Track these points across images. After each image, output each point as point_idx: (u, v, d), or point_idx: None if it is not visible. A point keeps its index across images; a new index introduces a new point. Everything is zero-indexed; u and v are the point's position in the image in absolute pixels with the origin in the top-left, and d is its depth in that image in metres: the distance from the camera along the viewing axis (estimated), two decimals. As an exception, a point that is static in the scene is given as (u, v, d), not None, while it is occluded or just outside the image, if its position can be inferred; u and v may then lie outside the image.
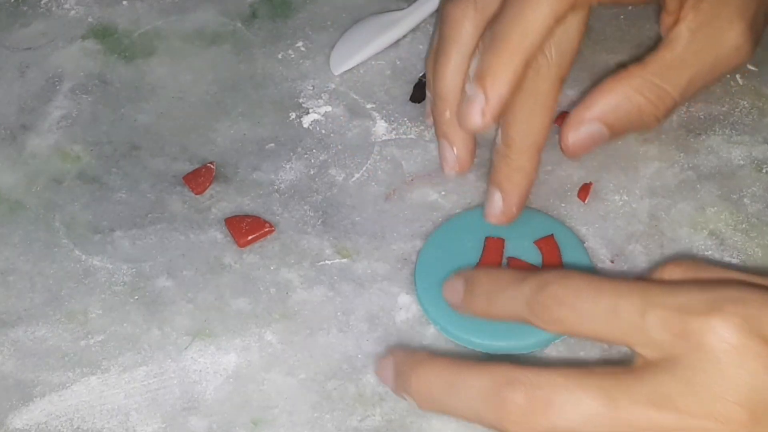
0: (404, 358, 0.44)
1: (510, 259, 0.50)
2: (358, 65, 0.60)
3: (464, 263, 0.50)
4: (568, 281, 0.42)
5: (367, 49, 0.60)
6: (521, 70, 0.49)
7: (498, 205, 0.51)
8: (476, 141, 0.54)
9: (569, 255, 0.51)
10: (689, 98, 0.53)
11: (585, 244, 0.52)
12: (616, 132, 0.52)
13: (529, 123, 0.50)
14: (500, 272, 0.47)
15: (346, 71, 0.60)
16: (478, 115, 0.49)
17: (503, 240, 0.51)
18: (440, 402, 0.42)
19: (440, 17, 0.53)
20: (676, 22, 0.52)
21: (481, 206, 0.52)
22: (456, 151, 0.53)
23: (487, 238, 0.51)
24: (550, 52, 0.49)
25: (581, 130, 0.52)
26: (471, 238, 0.51)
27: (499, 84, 0.48)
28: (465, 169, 0.53)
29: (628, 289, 0.41)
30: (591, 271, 0.51)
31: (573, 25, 0.50)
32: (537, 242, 0.51)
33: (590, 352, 0.48)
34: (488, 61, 0.49)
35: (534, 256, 0.50)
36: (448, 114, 0.52)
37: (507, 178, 0.51)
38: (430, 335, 0.49)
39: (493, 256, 0.50)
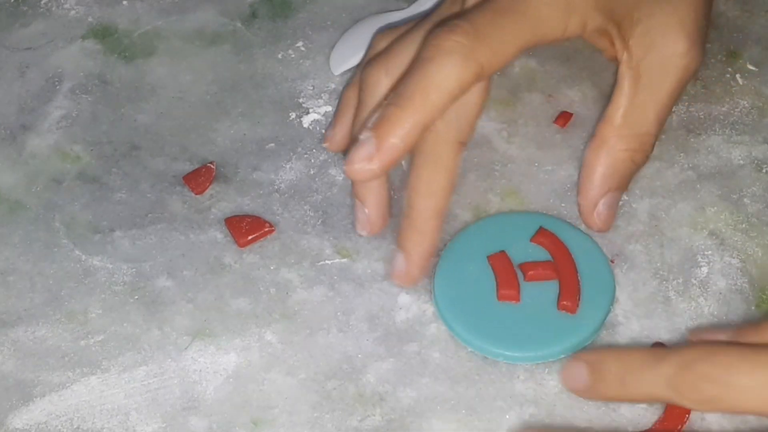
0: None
1: (522, 265, 0.50)
2: (358, 65, 0.60)
3: (480, 288, 0.50)
4: (715, 357, 0.40)
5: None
6: (418, 129, 0.47)
7: (400, 266, 0.50)
8: (389, 202, 0.52)
9: (570, 240, 0.51)
10: (666, 119, 0.53)
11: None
12: (624, 187, 0.52)
13: (429, 187, 0.49)
14: (631, 353, 0.44)
15: (346, 71, 0.59)
16: (365, 160, 0.47)
17: (504, 252, 0.50)
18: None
19: (359, 82, 0.53)
20: (618, 62, 0.51)
21: (474, 221, 0.53)
22: (367, 212, 0.52)
23: (489, 257, 0.50)
24: (450, 118, 0.49)
25: (600, 209, 0.52)
26: (475, 259, 0.50)
27: (393, 134, 0.47)
28: (376, 230, 0.52)
29: None
30: (600, 253, 0.51)
31: (475, 93, 0.49)
32: (533, 239, 0.51)
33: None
34: (387, 113, 0.48)
35: (538, 253, 0.50)
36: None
37: (408, 240, 0.50)
38: (430, 335, 0.49)
39: (506, 272, 0.50)
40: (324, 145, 0.56)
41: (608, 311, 0.49)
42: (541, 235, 0.51)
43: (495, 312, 0.49)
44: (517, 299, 0.49)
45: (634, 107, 0.51)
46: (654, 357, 0.42)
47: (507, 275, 0.49)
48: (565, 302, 0.49)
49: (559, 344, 0.48)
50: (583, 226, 0.52)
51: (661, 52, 0.51)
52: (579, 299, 0.49)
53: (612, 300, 0.49)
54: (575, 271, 0.50)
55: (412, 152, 0.49)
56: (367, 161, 0.47)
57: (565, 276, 0.49)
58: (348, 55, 0.60)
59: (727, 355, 0.40)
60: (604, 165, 0.51)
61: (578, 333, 0.48)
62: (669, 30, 0.51)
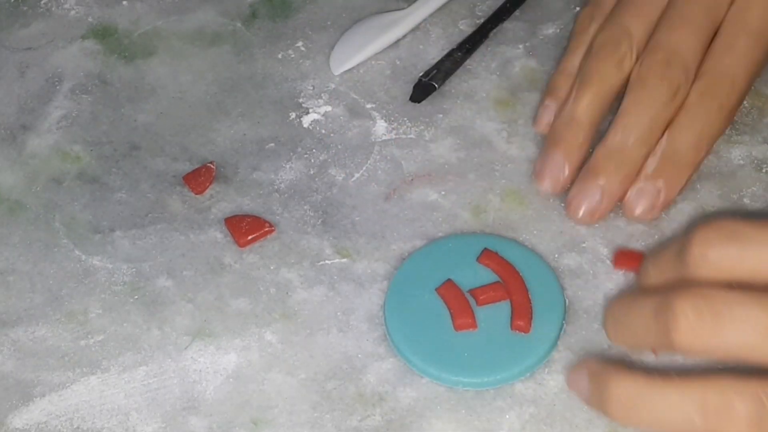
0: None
1: (472, 291, 0.49)
2: (358, 65, 0.60)
3: (434, 319, 0.49)
4: (714, 221, 0.41)
5: (367, 49, 0.60)
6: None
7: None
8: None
9: (515, 258, 0.50)
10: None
11: (583, 244, 0.52)
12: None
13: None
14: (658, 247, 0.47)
15: (346, 71, 0.59)
16: (649, 210, 0.51)
17: (451, 281, 0.50)
18: (621, 329, 0.43)
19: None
20: None
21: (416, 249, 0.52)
22: (567, 172, 0.52)
23: (438, 290, 0.49)
24: None
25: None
26: (423, 291, 0.50)
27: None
28: (562, 191, 0.53)
29: None
30: (546, 264, 0.51)
31: None
32: (479, 261, 0.50)
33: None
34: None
35: (486, 275, 0.50)
36: (581, 139, 0.52)
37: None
38: (430, 335, 0.49)
39: (458, 301, 0.49)
40: (534, 126, 0.56)
41: (562, 326, 0.49)
42: (486, 256, 0.51)
43: (453, 341, 0.48)
44: (475, 327, 0.48)
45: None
46: (646, 299, 0.42)
47: (460, 304, 0.49)
48: (518, 322, 0.48)
49: (516, 366, 0.47)
50: (528, 243, 0.52)
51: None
52: (531, 318, 0.48)
53: (564, 314, 0.49)
54: (525, 290, 0.49)
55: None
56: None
57: (516, 296, 0.49)
58: (348, 55, 0.60)
59: (714, 288, 0.41)
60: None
61: (534, 352, 0.48)
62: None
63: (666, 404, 0.41)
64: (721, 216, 0.43)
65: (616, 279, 0.51)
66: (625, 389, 0.42)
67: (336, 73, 0.59)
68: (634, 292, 0.43)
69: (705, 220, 0.42)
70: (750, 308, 0.39)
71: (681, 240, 0.42)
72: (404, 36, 0.61)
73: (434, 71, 0.59)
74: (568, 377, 0.46)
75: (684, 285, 0.41)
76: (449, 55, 0.59)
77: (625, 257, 0.51)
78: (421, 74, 0.59)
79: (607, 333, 0.46)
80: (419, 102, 0.58)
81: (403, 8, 0.61)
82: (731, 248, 0.41)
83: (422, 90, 0.58)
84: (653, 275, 0.45)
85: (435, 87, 0.58)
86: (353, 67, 0.60)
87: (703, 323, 0.39)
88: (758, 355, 0.40)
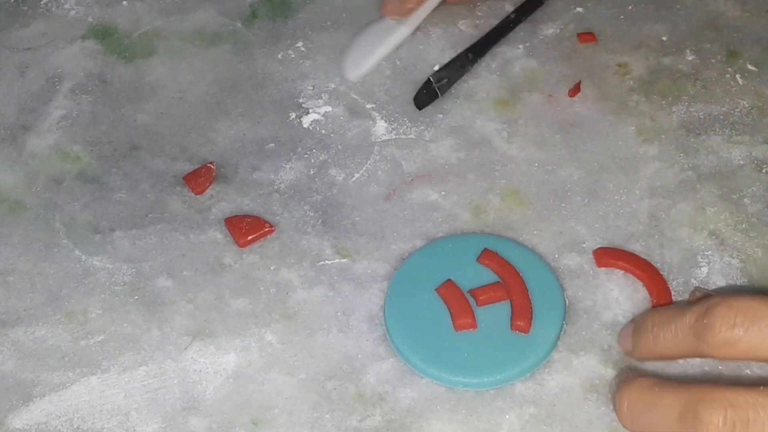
0: (621, 377, 0.45)
1: (472, 291, 0.49)
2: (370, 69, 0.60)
3: (434, 319, 0.49)
4: (733, 301, 0.41)
5: (380, 49, 0.60)
6: None
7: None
8: None
9: (515, 258, 0.50)
10: None
11: (583, 244, 0.52)
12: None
13: None
14: (666, 307, 0.47)
15: (363, 75, 0.59)
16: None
17: (451, 281, 0.50)
18: (640, 422, 0.43)
19: None
20: None
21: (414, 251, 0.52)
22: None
23: (438, 290, 0.50)
24: None
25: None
26: (423, 291, 0.50)
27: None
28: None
29: None
30: (546, 265, 0.51)
31: None
32: (479, 261, 0.50)
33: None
34: None
35: (486, 275, 0.50)
36: None
37: None
38: (430, 335, 0.49)
39: (458, 301, 0.49)
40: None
41: (562, 326, 0.49)
42: (486, 256, 0.51)
43: (453, 342, 0.48)
44: (475, 327, 0.48)
45: None
46: (682, 308, 0.43)
47: (460, 305, 0.49)
48: (518, 322, 0.48)
49: (516, 366, 0.47)
50: (528, 243, 0.52)
51: None
52: (531, 318, 0.48)
53: (564, 315, 0.49)
54: (525, 290, 0.49)
55: None
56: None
57: (516, 296, 0.49)
58: (362, 60, 0.59)
59: (747, 299, 0.41)
60: None
61: (534, 353, 0.48)
62: None
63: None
64: (738, 293, 0.43)
65: (616, 279, 0.51)
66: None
67: (353, 80, 0.59)
68: (652, 380, 0.43)
69: (721, 297, 0.42)
70: None
71: (699, 314, 0.42)
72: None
73: (445, 79, 0.58)
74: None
75: (707, 389, 0.41)
76: (459, 60, 0.59)
77: (606, 255, 0.51)
78: (430, 75, 0.59)
79: (620, 416, 0.45)
80: (422, 109, 0.58)
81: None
82: (753, 332, 0.41)
83: (427, 97, 0.58)
84: (662, 343, 0.45)
85: (438, 95, 0.58)
86: (369, 71, 0.60)
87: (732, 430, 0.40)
88: None
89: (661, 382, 0.43)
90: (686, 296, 0.50)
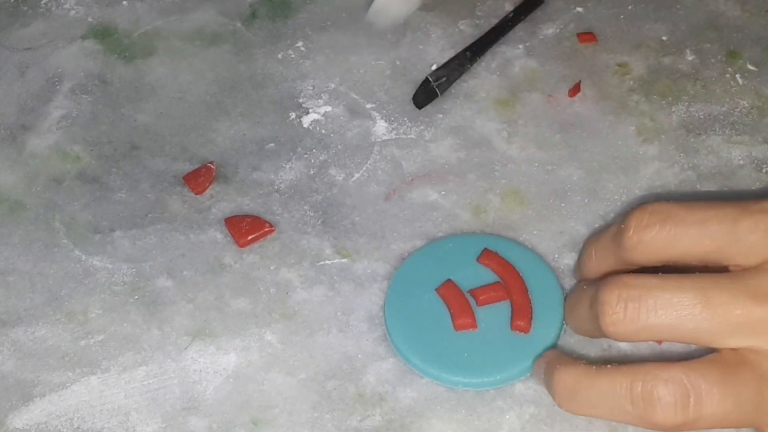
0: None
1: (472, 291, 0.49)
2: (358, 67, 0.60)
3: (434, 319, 0.49)
4: (648, 205, 0.42)
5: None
6: None
7: None
8: None
9: (515, 258, 0.50)
10: None
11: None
12: None
13: None
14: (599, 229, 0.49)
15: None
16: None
17: (451, 281, 0.50)
18: (571, 318, 0.46)
19: None
20: None
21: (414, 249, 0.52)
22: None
23: (438, 290, 0.50)
24: None
25: None
26: (423, 291, 0.50)
27: None
28: None
29: (719, 204, 0.41)
30: (545, 265, 0.51)
31: None
32: (479, 261, 0.50)
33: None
34: None
35: (486, 275, 0.50)
36: None
37: None
38: (430, 335, 0.49)
39: (458, 301, 0.49)
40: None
41: (562, 326, 0.49)
42: (486, 256, 0.51)
43: (453, 341, 0.48)
44: (475, 327, 0.48)
45: None
46: (610, 224, 0.45)
47: (460, 305, 0.49)
48: (518, 322, 0.48)
49: (516, 366, 0.47)
50: (528, 243, 0.52)
51: None
52: (531, 318, 0.48)
53: (564, 315, 0.49)
54: (525, 290, 0.49)
55: None
56: None
57: (516, 296, 0.49)
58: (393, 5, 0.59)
59: (661, 204, 0.43)
60: None
61: (534, 353, 0.48)
62: None
63: (598, 392, 0.42)
64: (654, 199, 0.44)
65: (616, 279, 0.51)
66: (565, 378, 0.44)
67: (380, 24, 0.58)
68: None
69: (640, 204, 0.44)
70: (670, 292, 0.41)
71: (617, 223, 0.44)
72: (405, 36, 0.61)
73: (443, 78, 0.58)
74: (533, 367, 0.47)
75: (611, 276, 0.43)
76: (457, 59, 0.59)
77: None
78: (428, 74, 0.59)
79: (565, 319, 0.48)
80: (421, 108, 0.58)
81: None
82: (664, 231, 0.42)
83: (426, 96, 0.58)
84: (594, 259, 0.47)
85: (438, 94, 0.58)
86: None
87: (626, 311, 0.41)
88: (681, 336, 0.41)
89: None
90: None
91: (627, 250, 0.43)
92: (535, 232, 0.53)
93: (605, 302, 0.42)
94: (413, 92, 0.59)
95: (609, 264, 0.46)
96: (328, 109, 0.58)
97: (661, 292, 0.41)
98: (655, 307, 0.41)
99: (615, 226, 0.44)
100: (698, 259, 0.43)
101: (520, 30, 0.61)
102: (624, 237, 0.43)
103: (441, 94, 0.58)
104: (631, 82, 0.59)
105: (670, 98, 0.58)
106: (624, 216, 0.44)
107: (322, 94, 0.59)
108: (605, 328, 0.42)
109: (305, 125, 0.58)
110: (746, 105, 0.57)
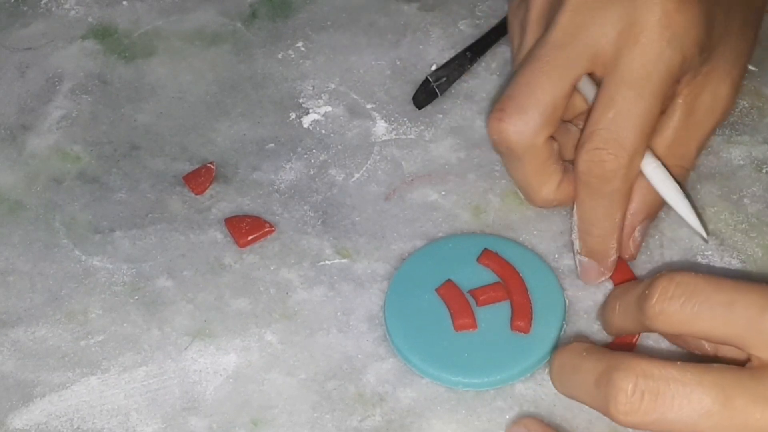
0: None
1: (472, 291, 0.49)
2: (358, 67, 0.60)
3: (434, 319, 0.49)
4: (676, 275, 0.41)
5: None
6: (618, 232, 0.49)
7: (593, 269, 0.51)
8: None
9: (515, 258, 0.50)
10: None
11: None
12: (655, 216, 0.52)
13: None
14: (628, 283, 0.48)
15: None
16: (598, 277, 0.50)
17: (451, 281, 0.50)
18: (565, 383, 0.44)
19: None
20: (672, 98, 0.50)
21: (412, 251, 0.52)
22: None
23: (438, 290, 0.49)
24: None
25: (636, 236, 0.51)
26: (423, 291, 0.50)
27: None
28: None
29: (747, 286, 0.40)
30: (545, 265, 0.51)
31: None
32: (479, 261, 0.50)
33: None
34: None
35: (486, 276, 0.50)
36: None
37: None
38: (430, 335, 0.49)
39: (458, 301, 0.49)
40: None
41: (562, 327, 0.49)
42: (486, 257, 0.51)
43: (453, 342, 0.48)
44: (475, 327, 0.48)
45: (680, 141, 0.51)
46: (635, 283, 0.45)
47: (460, 305, 0.49)
48: (518, 323, 0.48)
49: (516, 366, 0.47)
50: (528, 244, 0.52)
51: (713, 92, 0.51)
52: (531, 318, 0.48)
53: (564, 315, 0.49)
54: (525, 290, 0.49)
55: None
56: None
57: (516, 296, 0.49)
58: None
59: (690, 276, 0.42)
60: (648, 191, 0.50)
61: (534, 353, 0.48)
62: (721, 74, 0.51)
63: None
64: (682, 268, 0.43)
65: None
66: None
67: None
68: (584, 345, 0.44)
69: (668, 271, 0.42)
70: (690, 387, 0.40)
71: (644, 285, 0.43)
72: (405, 36, 0.61)
73: (443, 78, 0.58)
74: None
75: (626, 357, 0.41)
76: (457, 59, 0.59)
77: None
78: (428, 74, 0.59)
79: (551, 377, 0.45)
80: (421, 108, 0.58)
81: (403, 6, 0.61)
82: (688, 307, 0.41)
83: (426, 96, 0.58)
84: (617, 314, 0.46)
85: (438, 94, 0.58)
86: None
87: (642, 402, 0.40)
88: None
89: (591, 348, 0.43)
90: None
91: (648, 318, 0.42)
92: (535, 232, 0.53)
93: (620, 389, 0.40)
94: (413, 92, 0.59)
95: (629, 325, 0.45)
96: (328, 109, 0.58)
97: (680, 386, 0.40)
98: (673, 402, 0.40)
99: (641, 288, 0.43)
100: (718, 339, 0.42)
101: (520, 30, 0.61)
102: (647, 304, 0.42)
103: (441, 94, 0.58)
104: (631, 82, 0.59)
105: (670, 98, 0.58)
106: (651, 280, 0.42)
107: (322, 94, 0.59)
108: (615, 416, 0.41)
109: (305, 125, 0.58)
110: (746, 105, 0.57)
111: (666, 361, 0.40)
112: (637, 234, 0.51)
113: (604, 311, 0.48)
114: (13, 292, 0.52)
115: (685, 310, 0.41)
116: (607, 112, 0.47)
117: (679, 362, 0.40)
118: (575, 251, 0.50)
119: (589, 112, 0.49)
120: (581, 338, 0.48)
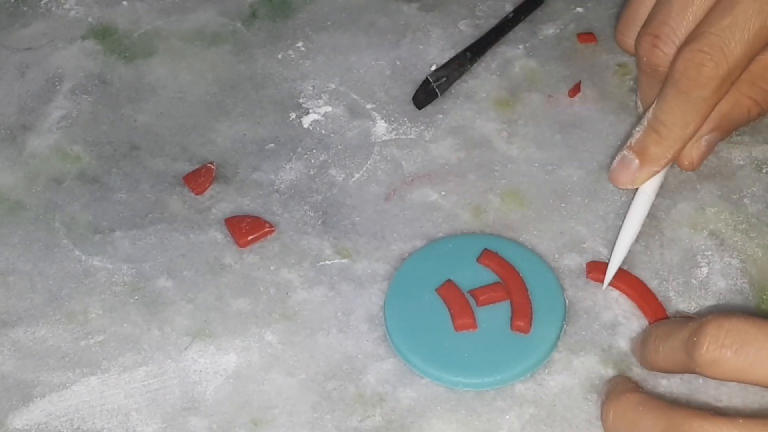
0: (611, 386, 0.45)
1: (472, 291, 0.49)
2: (358, 67, 0.60)
3: (434, 319, 0.49)
4: (724, 321, 0.41)
5: None
6: (675, 154, 0.49)
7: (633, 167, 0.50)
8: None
9: (515, 258, 0.50)
10: None
11: (584, 245, 0.52)
12: (727, 134, 0.51)
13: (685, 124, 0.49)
14: (669, 321, 0.48)
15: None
16: (629, 180, 0.50)
17: (451, 281, 0.50)
18: None
19: None
20: None
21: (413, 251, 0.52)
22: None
23: (438, 290, 0.49)
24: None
25: (702, 144, 0.50)
26: (423, 291, 0.50)
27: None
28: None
29: None
30: (545, 265, 0.51)
31: None
32: (479, 262, 0.51)
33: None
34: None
35: (486, 276, 0.50)
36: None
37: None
38: (430, 335, 0.49)
39: (458, 302, 0.49)
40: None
41: (562, 327, 0.49)
42: (486, 257, 0.51)
43: (453, 342, 0.48)
44: (475, 327, 0.48)
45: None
46: (680, 324, 0.43)
47: (460, 305, 0.49)
48: (518, 323, 0.48)
49: (516, 366, 0.47)
50: (528, 244, 0.52)
51: None
52: (531, 318, 0.48)
53: (564, 315, 0.49)
54: (525, 291, 0.49)
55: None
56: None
57: (516, 296, 0.49)
58: None
59: (737, 322, 0.40)
60: (726, 103, 0.50)
61: (534, 353, 0.48)
62: None
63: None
64: (731, 313, 0.43)
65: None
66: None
67: None
68: (638, 397, 0.43)
69: (715, 316, 0.42)
70: None
71: (691, 331, 0.42)
72: (405, 36, 0.61)
73: (443, 78, 0.58)
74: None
75: (687, 416, 0.40)
76: (457, 59, 0.59)
77: (597, 269, 0.51)
78: (428, 74, 0.59)
79: (605, 430, 0.45)
80: (421, 108, 0.58)
81: (403, 7, 0.61)
82: (741, 356, 0.41)
83: (426, 96, 0.58)
84: (660, 355, 0.45)
85: (438, 94, 0.58)
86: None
87: None
88: None
89: (647, 401, 0.43)
90: (686, 296, 0.50)
91: (699, 366, 0.42)
92: (535, 232, 0.53)
93: None
94: (413, 92, 0.59)
95: (676, 367, 0.44)
96: (328, 109, 0.58)
97: None
98: None
99: (687, 333, 0.43)
100: None
101: (520, 30, 0.61)
102: (697, 352, 0.42)
103: (441, 94, 0.58)
104: (631, 83, 0.59)
105: (670, 98, 0.58)
106: (698, 325, 0.42)
107: (322, 95, 0.59)
108: None
109: (305, 125, 0.58)
110: (746, 105, 0.57)
111: (726, 417, 0.40)
112: (703, 143, 0.50)
113: (643, 350, 0.47)
114: (13, 292, 0.52)
115: (739, 359, 0.41)
116: (723, 18, 0.46)
117: (741, 419, 0.40)
118: (627, 145, 0.50)
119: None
120: (626, 382, 0.46)
